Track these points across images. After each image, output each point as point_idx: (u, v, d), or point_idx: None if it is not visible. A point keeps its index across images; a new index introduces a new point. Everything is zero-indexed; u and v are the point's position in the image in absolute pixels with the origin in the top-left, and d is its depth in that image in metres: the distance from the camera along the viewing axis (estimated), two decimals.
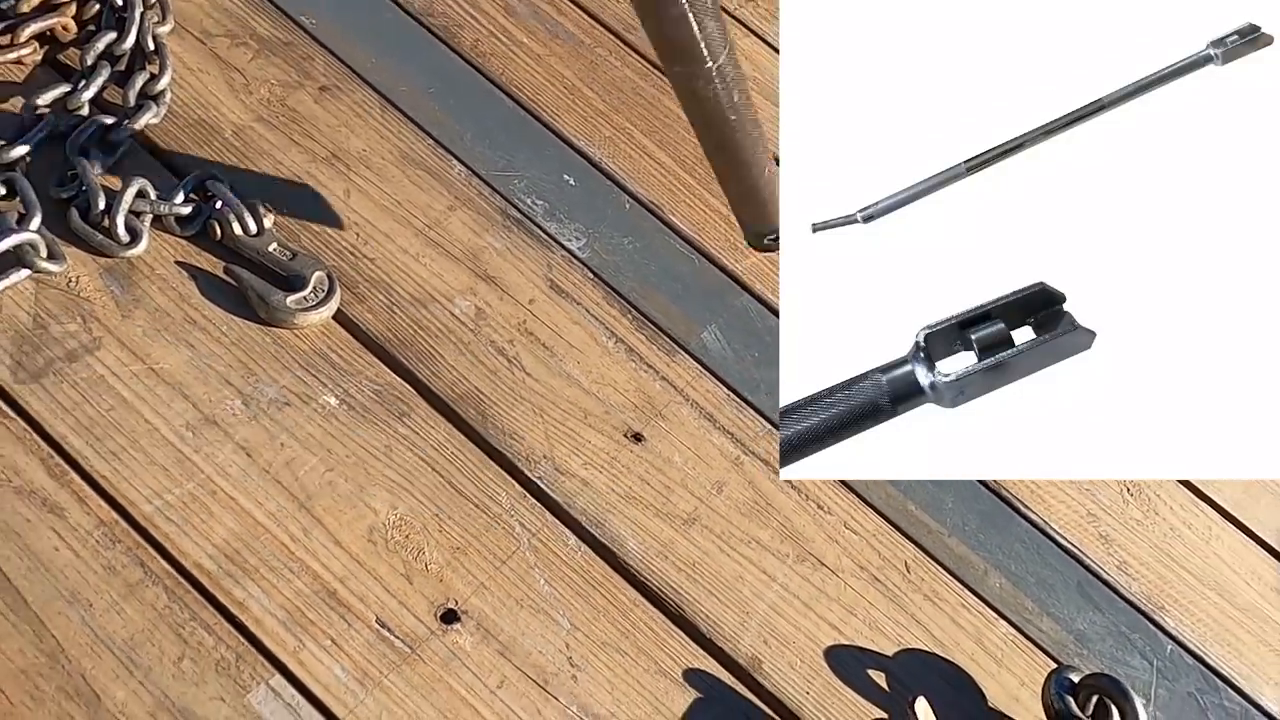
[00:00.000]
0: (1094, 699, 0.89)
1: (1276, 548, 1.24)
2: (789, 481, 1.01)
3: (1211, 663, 1.07)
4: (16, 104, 0.94)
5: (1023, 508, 1.12)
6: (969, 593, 1.02)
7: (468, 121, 1.19)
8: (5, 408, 0.75)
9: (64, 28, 0.99)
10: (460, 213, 1.08)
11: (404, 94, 1.17)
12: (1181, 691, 1.04)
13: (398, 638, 0.76)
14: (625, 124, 1.31)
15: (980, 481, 1.12)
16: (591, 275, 1.10)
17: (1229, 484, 1.28)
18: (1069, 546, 1.11)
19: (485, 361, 0.97)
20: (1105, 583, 1.10)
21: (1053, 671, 0.91)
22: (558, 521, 0.88)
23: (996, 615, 1.01)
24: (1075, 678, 0.90)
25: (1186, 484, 1.26)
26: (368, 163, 1.08)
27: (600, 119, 1.30)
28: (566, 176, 1.20)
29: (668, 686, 0.82)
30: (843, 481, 1.04)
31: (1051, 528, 1.12)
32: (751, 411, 1.06)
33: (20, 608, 0.67)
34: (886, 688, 0.90)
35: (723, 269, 1.20)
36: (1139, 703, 0.85)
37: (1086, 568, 1.10)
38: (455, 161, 1.13)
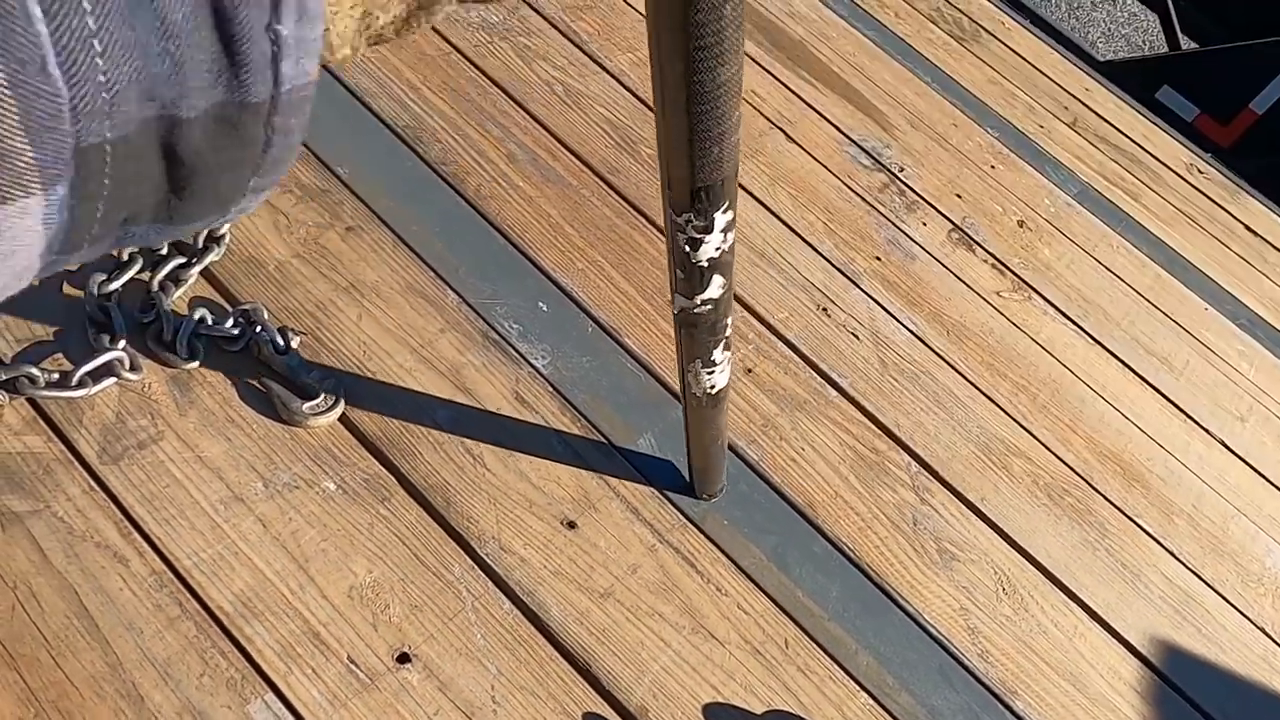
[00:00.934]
0: None
1: (1140, 650, 1.45)
2: (693, 565, 1.26)
3: None
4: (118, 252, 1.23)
5: (900, 600, 1.35)
6: (838, 667, 1.24)
7: (464, 255, 1.47)
8: (93, 483, 1.03)
9: None
10: (449, 335, 1.36)
11: (414, 232, 1.46)
12: None
13: (362, 671, 1.01)
14: (598, 258, 1.59)
15: (865, 575, 1.35)
16: (551, 389, 1.37)
17: (1103, 588, 1.49)
18: (937, 635, 1.33)
19: (455, 459, 1.23)
20: (965, 667, 1.32)
21: None
22: (496, 589, 1.13)
23: (859, 688, 1.23)
24: None
25: (1059, 584, 1.47)
26: (378, 291, 1.36)
27: (577, 253, 1.58)
28: (541, 304, 1.47)
29: None
30: (741, 569, 1.28)
31: (924, 618, 1.34)
32: (671, 508, 1.31)
33: (94, 631, 0.94)
34: None
35: (663, 384, 1.46)
36: None
37: (950, 653, 1.32)
38: (450, 291, 1.41)
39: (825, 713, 1.19)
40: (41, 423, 1.06)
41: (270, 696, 0.96)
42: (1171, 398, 1.94)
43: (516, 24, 1.97)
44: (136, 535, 1.01)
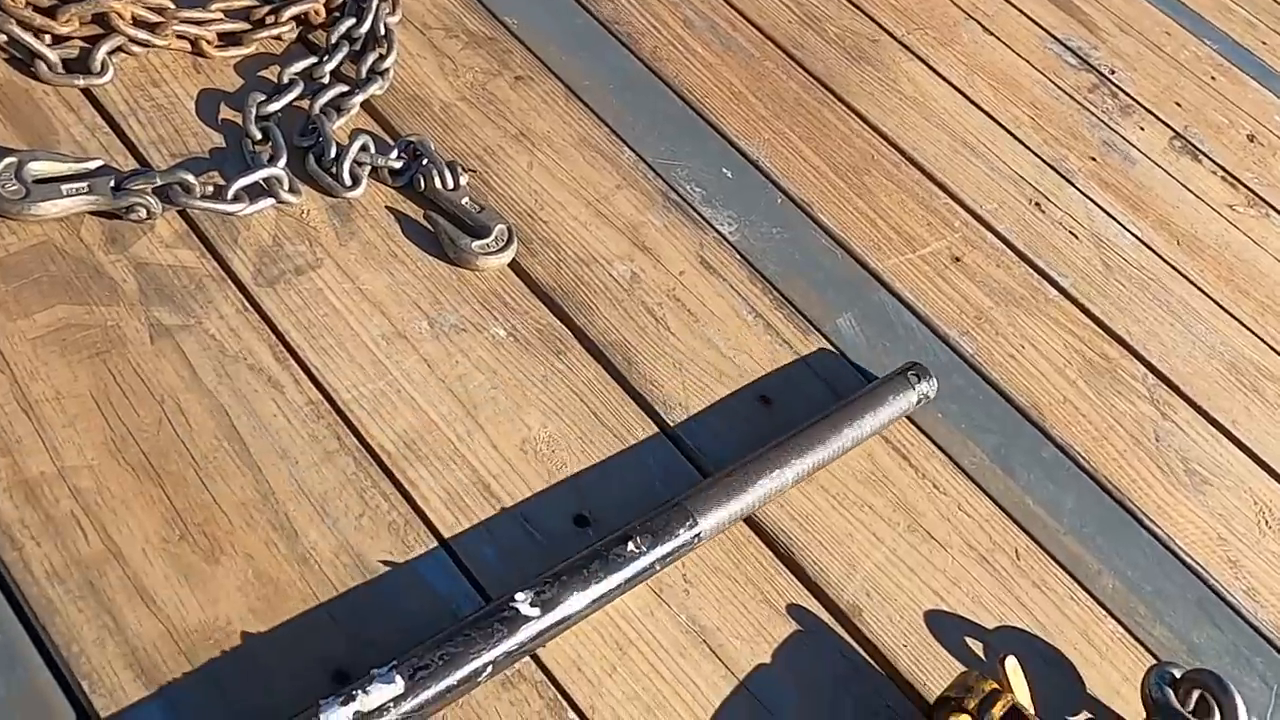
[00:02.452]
0: (1195, 694, 0.89)
1: None
2: (906, 459, 1.07)
3: None
4: (274, 72, 1.13)
5: (1146, 520, 1.13)
6: (1079, 587, 1.04)
7: (641, 114, 1.31)
8: (247, 304, 0.92)
9: (315, 12, 1.18)
10: (626, 191, 1.21)
11: (587, 87, 1.31)
12: None
13: (537, 532, 0.87)
14: (784, 129, 1.41)
15: (1103, 489, 1.14)
16: (739, 256, 1.20)
17: None
18: (1192, 564, 1.11)
19: (635, 318, 1.08)
20: (1229, 604, 1.09)
21: (1154, 665, 0.92)
22: (685, 460, 0.97)
23: (1105, 613, 1.03)
24: (1177, 673, 0.91)
25: None
26: (550, 142, 1.22)
27: (761, 123, 1.40)
28: (725, 170, 1.30)
29: (770, 615, 0.89)
30: (960, 467, 1.09)
31: (1175, 543, 1.12)
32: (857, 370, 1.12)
33: (244, 455, 0.82)
34: (984, 656, 0.94)
35: (864, 265, 1.27)
36: (1239, 699, 0.85)
37: (1210, 586, 1.10)
38: (626, 148, 1.26)
39: (1068, 636, 0.99)
40: (194, 237, 0.95)
41: (437, 549, 0.82)
42: None
43: None
44: (292, 362, 0.89)
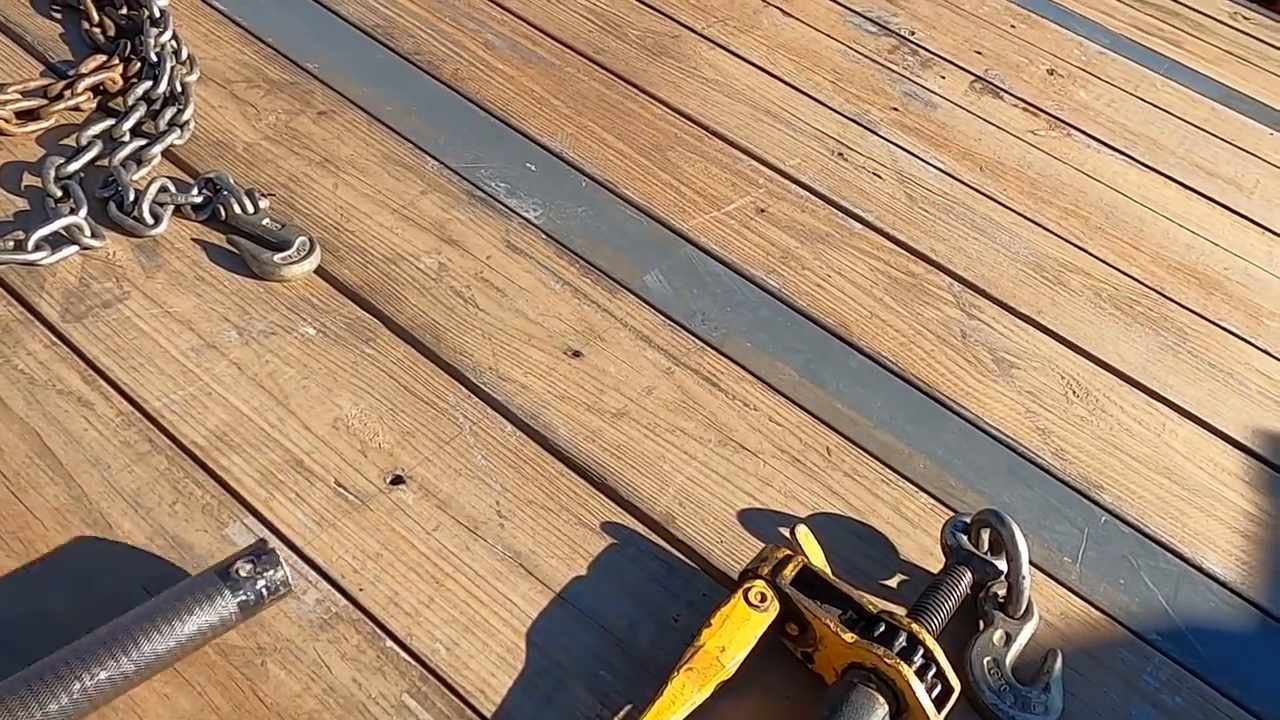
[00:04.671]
0: (985, 534, 0.97)
1: (1244, 442, 1.29)
2: (715, 385, 1.15)
3: (1150, 531, 1.13)
4: (74, 138, 1.20)
5: (956, 406, 1.22)
6: (890, 471, 1.11)
7: (443, 128, 1.41)
8: (55, 339, 0.98)
9: (112, 81, 1.26)
10: (431, 196, 1.29)
11: (389, 112, 1.40)
12: (1114, 554, 1.09)
13: (351, 493, 0.93)
14: (588, 124, 1.51)
15: (912, 386, 1.22)
16: (545, 236, 1.28)
17: (1191, 387, 1.33)
18: (1002, 438, 1.19)
19: (444, 301, 1.15)
20: (1039, 465, 1.17)
21: (949, 518, 1.00)
22: (496, 414, 1.04)
23: (917, 489, 1.10)
24: (968, 520, 0.98)
25: (1139, 385, 1.32)
26: (354, 164, 1.30)
27: (564, 120, 1.50)
28: (529, 164, 1.39)
29: (586, 534, 0.95)
30: (770, 385, 1.17)
31: (985, 422, 1.21)
32: (686, 333, 1.20)
33: (56, 467, 0.88)
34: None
35: (670, 228, 1.36)
36: (1015, 527, 0.93)
37: (1019, 454, 1.18)
38: (430, 159, 1.35)
39: (880, 513, 1.06)
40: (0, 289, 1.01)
41: (250, 519, 0.88)
42: (1245, 214, 1.76)
43: None
44: (102, 382, 0.95)
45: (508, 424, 1.03)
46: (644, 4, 1.85)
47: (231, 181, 1.16)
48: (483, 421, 1.03)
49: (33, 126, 1.19)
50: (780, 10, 1.97)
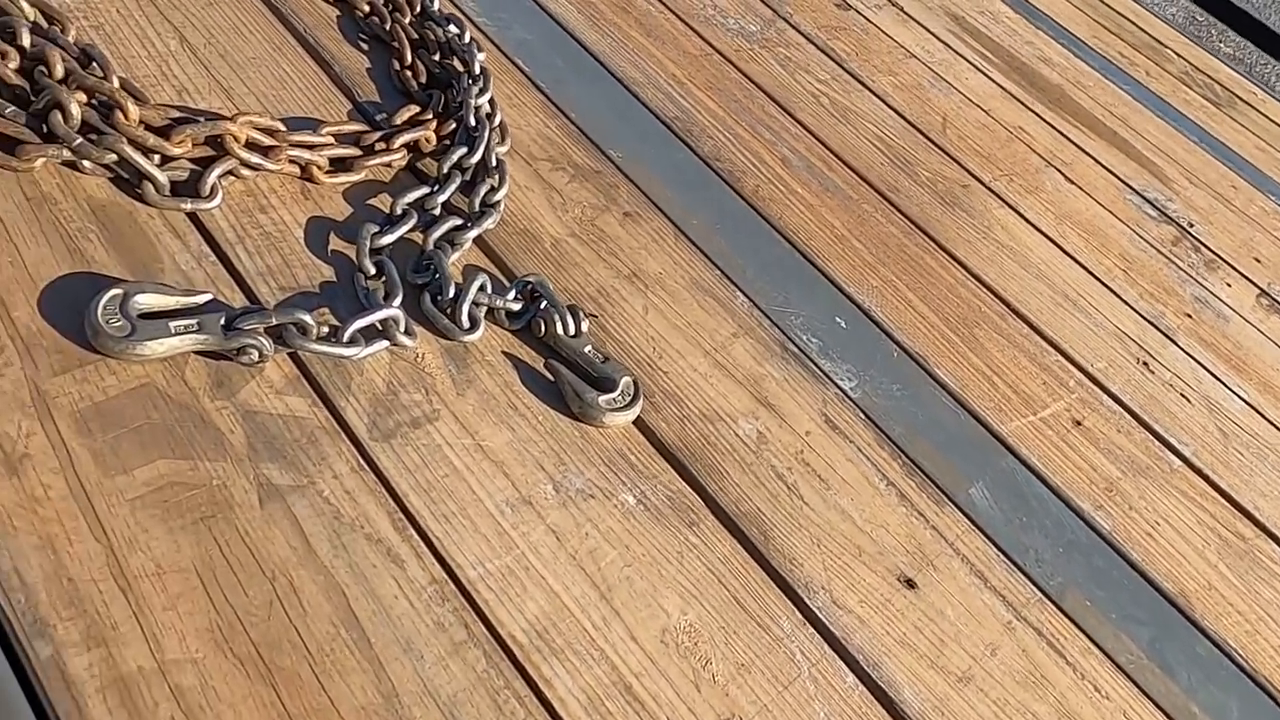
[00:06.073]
0: None
1: None
2: (1062, 655, 0.96)
3: None
4: (383, 200, 1.06)
5: None
6: None
7: (749, 257, 1.25)
8: (362, 461, 0.82)
9: (426, 140, 1.12)
10: (743, 340, 1.13)
11: (694, 226, 1.25)
12: None
13: None
14: (891, 277, 1.35)
15: (1270, 696, 1.03)
16: (863, 416, 1.11)
17: None
18: None
19: (767, 484, 0.98)
20: None
21: None
22: (835, 656, 0.87)
23: None
24: None
25: None
26: (663, 284, 1.15)
27: (868, 269, 1.34)
28: (838, 319, 1.23)
29: None
30: (1118, 666, 0.98)
31: None
32: (1021, 575, 1.03)
33: (364, 646, 0.71)
34: None
35: (988, 428, 1.19)
36: None
37: None
38: (739, 293, 1.19)
39: None
40: (305, 383, 0.86)
41: None
42: None
43: (774, 36, 1.80)
44: (413, 531, 0.79)
45: (849, 673, 0.86)
46: (932, 142, 1.71)
47: (552, 291, 1.00)
48: (822, 663, 0.85)
49: (343, 178, 1.05)
50: (1061, 174, 1.82)
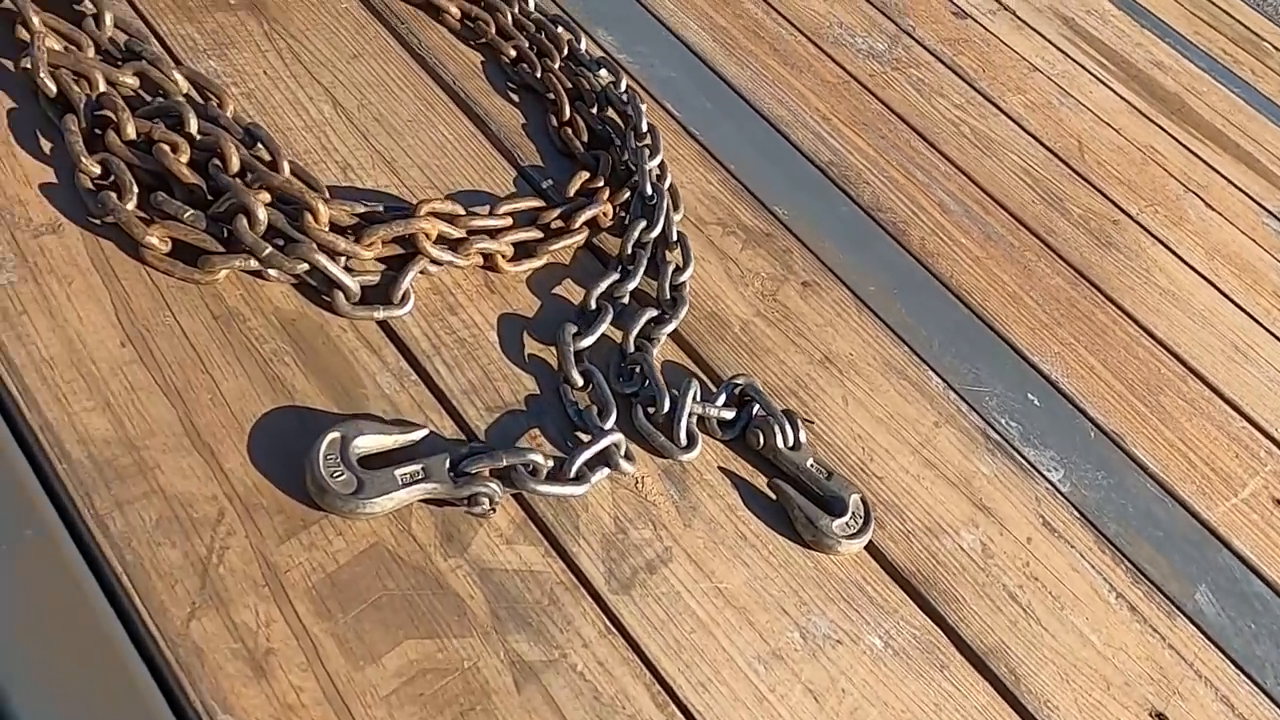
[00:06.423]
0: None
1: None
2: None
3: None
4: (569, 288, 0.97)
5: None
6: None
7: (931, 326, 1.16)
8: (608, 623, 0.74)
9: (604, 215, 1.03)
10: (946, 430, 1.05)
11: (872, 294, 1.16)
12: None
13: None
14: (1068, 338, 1.27)
15: None
16: (1078, 514, 1.03)
17: None
18: None
19: (1003, 609, 0.91)
20: None
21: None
22: None
23: None
24: None
25: None
26: (856, 368, 1.06)
27: (1046, 332, 1.26)
28: (1030, 395, 1.15)
29: None
30: None
31: None
32: (1264, 697, 0.95)
33: None
34: None
35: (1196, 516, 1.11)
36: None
37: None
38: (931, 373, 1.10)
39: None
40: (533, 527, 0.78)
41: None
42: None
43: (902, 54, 1.69)
44: (674, 708, 0.72)
45: None
46: (1074, 171, 1.61)
47: (764, 395, 0.92)
48: None
49: (526, 265, 0.96)
50: (1200, 199, 1.72)
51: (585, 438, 0.85)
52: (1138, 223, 1.57)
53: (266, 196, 0.81)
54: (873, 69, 1.60)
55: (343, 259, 0.83)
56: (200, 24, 1.03)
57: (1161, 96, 2.03)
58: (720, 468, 0.89)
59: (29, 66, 0.85)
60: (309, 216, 0.81)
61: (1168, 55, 2.24)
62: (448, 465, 0.75)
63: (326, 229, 0.82)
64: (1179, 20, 2.48)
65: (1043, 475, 1.06)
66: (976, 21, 1.93)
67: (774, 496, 0.88)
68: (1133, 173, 1.70)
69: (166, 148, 0.82)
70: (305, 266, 0.81)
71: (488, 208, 0.96)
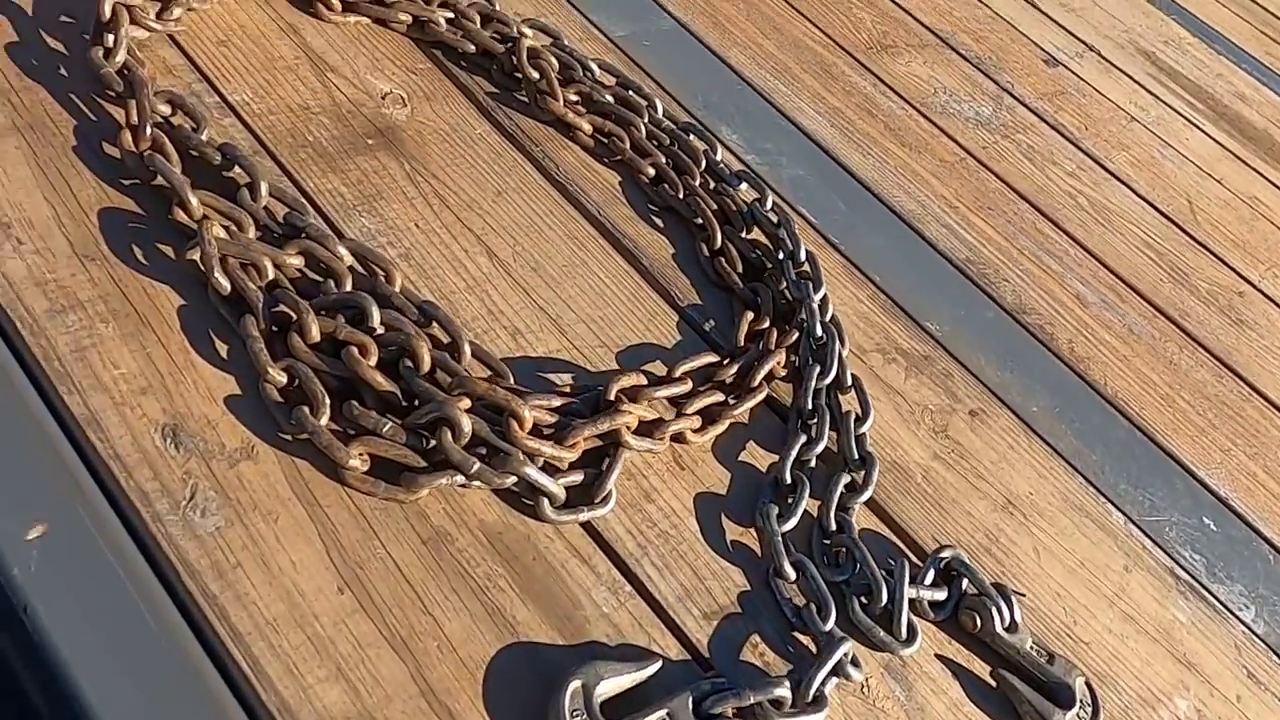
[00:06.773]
0: None
1: None
2: None
3: None
4: (754, 452, 0.92)
5: None
6: None
7: (1100, 449, 1.12)
8: None
9: (779, 365, 0.97)
10: (1136, 575, 1.00)
11: (1036, 415, 1.12)
12: None
13: None
14: (1226, 443, 1.22)
15: None
16: (1277, 659, 0.99)
17: None
18: None
19: None
20: None
21: None
22: None
23: None
24: None
25: None
26: (1039, 510, 1.02)
27: (1204, 438, 1.21)
28: (1206, 519, 1.11)
29: None
30: None
31: None
32: None
33: None
34: None
35: None
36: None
37: None
38: (1111, 507, 1.06)
39: None
40: None
41: None
42: None
43: (1007, 117, 1.63)
44: None
45: None
46: (1191, 238, 1.56)
47: (973, 570, 0.87)
48: None
49: (710, 434, 0.90)
50: None
51: (804, 638, 0.80)
52: (1260, 290, 1.53)
53: (467, 403, 0.76)
54: (984, 140, 1.54)
55: (539, 460, 0.78)
56: (344, 174, 0.97)
57: (1252, 136, 1.97)
58: (938, 655, 0.85)
59: (197, 259, 0.79)
60: (514, 424, 0.76)
61: (1247, 85, 2.19)
62: (690, 705, 0.70)
63: (528, 435, 0.77)
64: (1250, 42, 2.42)
65: (1237, 617, 1.02)
66: (1067, 68, 1.86)
67: (995, 684, 0.84)
68: (1244, 231, 1.66)
69: (356, 351, 0.76)
70: (514, 480, 0.76)
71: (666, 370, 0.91)
